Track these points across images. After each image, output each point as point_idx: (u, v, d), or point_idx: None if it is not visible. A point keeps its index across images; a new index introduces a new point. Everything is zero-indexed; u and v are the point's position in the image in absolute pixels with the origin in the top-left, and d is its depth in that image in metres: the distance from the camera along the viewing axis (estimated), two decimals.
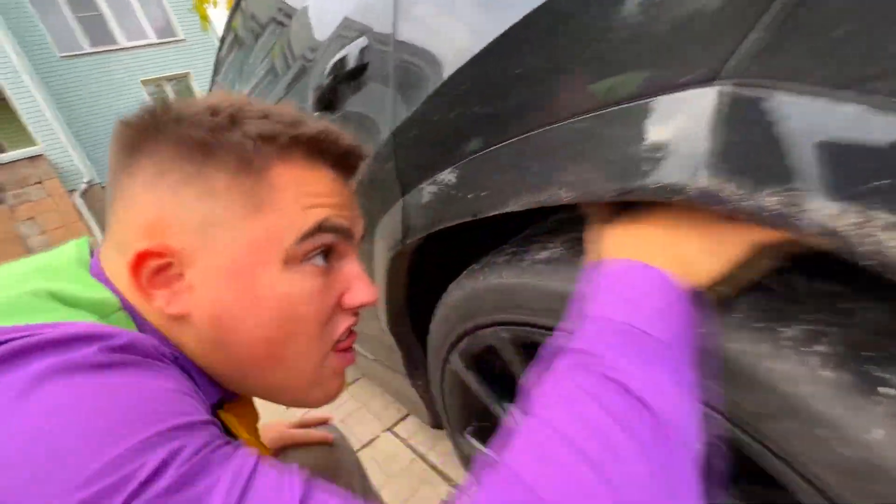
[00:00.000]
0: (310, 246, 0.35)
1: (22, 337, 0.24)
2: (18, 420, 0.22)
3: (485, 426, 0.71)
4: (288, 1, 0.91)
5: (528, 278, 0.43)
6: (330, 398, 0.41)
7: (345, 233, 0.38)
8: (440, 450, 1.27)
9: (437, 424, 0.90)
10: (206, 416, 0.27)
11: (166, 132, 0.33)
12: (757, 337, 0.27)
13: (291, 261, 0.35)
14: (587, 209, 0.39)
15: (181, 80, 11.40)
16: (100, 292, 0.33)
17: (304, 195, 0.35)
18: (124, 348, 0.26)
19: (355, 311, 0.39)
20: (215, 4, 5.52)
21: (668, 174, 0.27)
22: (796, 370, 0.25)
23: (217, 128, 0.33)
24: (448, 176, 0.43)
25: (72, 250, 0.37)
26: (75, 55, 9.82)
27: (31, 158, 7.71)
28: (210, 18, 5.38)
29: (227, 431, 0.39)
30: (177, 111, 0.34)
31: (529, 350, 0.49)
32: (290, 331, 0.35)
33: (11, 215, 7.24)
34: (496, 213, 0.39)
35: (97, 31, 10.21)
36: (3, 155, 7.78)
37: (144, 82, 10.67)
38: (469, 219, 0.42)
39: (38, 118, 8.51)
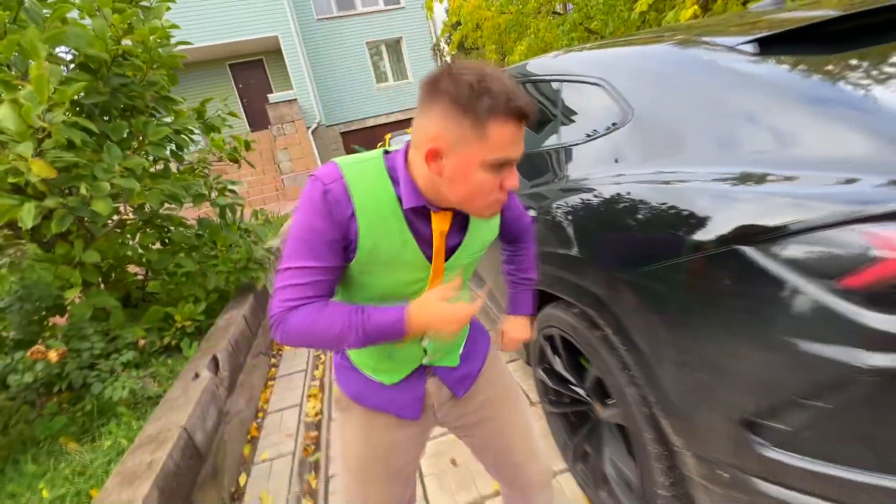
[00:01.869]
0: (495, 164, 0.67)
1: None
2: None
3: (547, 367, 1.61)
4: None
5: (568, 317, 1.29)
6: (488, 214, 0.74)
7: (511, 161, 0.69)
8: (526, 384, 2.21)
9: (528, 363, 1.83)
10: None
11: (447, 90, 0.64)
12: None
13: (485, 167, 0.67)
14: None
15: (395, 44, 13.38)
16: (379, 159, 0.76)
17: (499, 139, 0.65)
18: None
19: (506, 190, 0.72)
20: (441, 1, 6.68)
21: None
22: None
23: (472, 96, 0.62)
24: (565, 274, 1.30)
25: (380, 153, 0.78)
26: (327, 18, 12.37)
27: (289, 101, 10.44)
28: (433, 8, 6.54)
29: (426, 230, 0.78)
30: (454, 76, 0.63)
31: (565, 342, 1.38)
32: (477, 193, 0.70)
33: (273, 143, 10.11)
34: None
35: None
36: (272, 95, 10.68)
37: (368, 44, 12.88)
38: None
39: (297, 69, 11.25)
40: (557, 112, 1.46)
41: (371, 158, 0.76)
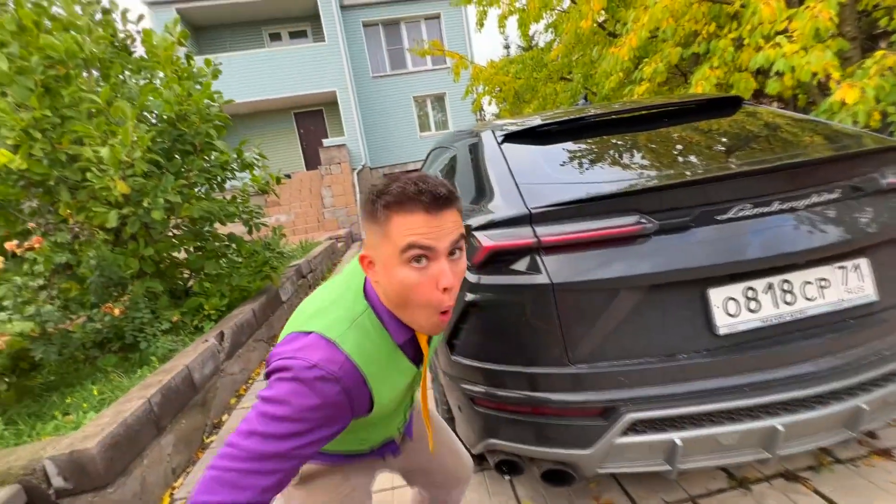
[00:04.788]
0: (408, 256, 0.65)
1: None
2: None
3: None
4: None
5: None
6: (434, 332, 0.73)
7: (427, 248, 0.65)
8: None
9: None
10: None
11: (362, 205, 0.71)
12: None
13: (403, 263, 0.66)
14: None
15: (439, 98, 14.82)
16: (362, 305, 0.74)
17: (401, 228, 0.65)
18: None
19: (444, 290, 0.67)
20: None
21: None
22: None
23: (372, 198, 0.68)
24: None
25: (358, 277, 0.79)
26: (381, 76, 14.06)
27: (339, 146, 11.90)
28: (461, 74, 7.53)
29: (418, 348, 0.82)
30: (367, 191, 0.69)
31: None
32: (408, 300, 0.68)
33: (321, 180, 11.51)
34: None
35: (397, 58, 14.28)
36: (326, 140, 12.23)
37: (415, 98, 14.39)
38: None
39: (349, 118, 12.81)
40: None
41: (360, 312, 0.74)
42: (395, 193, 0.66)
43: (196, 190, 3.54)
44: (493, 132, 1.69)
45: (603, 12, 4.99)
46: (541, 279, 1.15)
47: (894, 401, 1.18)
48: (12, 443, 1.96)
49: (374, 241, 0.69)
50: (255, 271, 3.88)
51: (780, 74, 2.87)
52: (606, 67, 4.08)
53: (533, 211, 1.18)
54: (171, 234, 3.67)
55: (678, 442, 1.10)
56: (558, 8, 6.60)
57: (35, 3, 2.96)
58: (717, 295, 1.12)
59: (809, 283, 1.15)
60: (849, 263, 1.17)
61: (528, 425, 1.23)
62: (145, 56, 3.36)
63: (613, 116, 1.62)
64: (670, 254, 1.11)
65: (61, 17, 3.06)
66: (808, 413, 1.10)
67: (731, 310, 1.12)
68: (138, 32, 3.44)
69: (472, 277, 1.29)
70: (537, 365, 1.20)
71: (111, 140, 2.75)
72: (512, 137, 1.60)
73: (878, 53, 2.45)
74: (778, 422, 1.09)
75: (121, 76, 3.23)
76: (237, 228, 4.29)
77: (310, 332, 0.70)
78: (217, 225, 3.83)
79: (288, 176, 12.60)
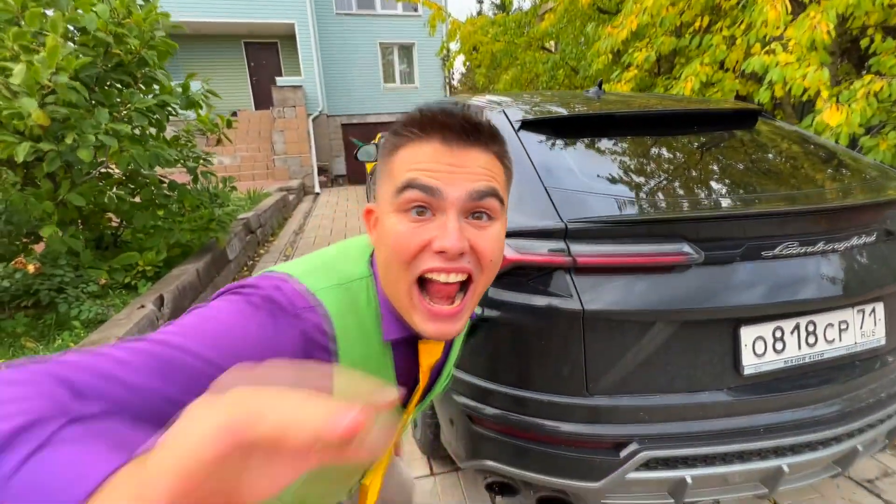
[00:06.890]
0: (404, 199, 0.47)
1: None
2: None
3: None
4: None
5: None
6: (430, 335, 0.50)
7: (430, 190, 0.46)
8: None
9: None
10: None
11: None
12: None
13: (397, 210, 0.48)
14: None
15: (407, 49, 13.93)
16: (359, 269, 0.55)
17: (407, 163, 0.48)
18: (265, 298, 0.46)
19: (441, 254, 0.46)
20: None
21: None
22: None
23: (388, 133, 0.52)
24: None
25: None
26: (345, 14, 12.87)
27: (294, 87, 10.90)
28: (436, 27, 7.05)
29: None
30: None
31: None
32: (388, 259, 0.49)
33: (272, 123, 10.56)
34: None
35: None
36: (280, 79, 11.15)
37: (381, 45, 13.41)
38: None
39: (308, 56, 11.71)
40: None
41: (356, 277, 0.54)
42: (410, 115, 0.50)
43: (131, 129, 3.02)
44: (505, 114, 1.50)
45: None
46: (571, 304, 1.03)
47: (881, 439, 1.22)
48: None
49: (380, 185, 0.53)
50: (200, 227, 3.47)
51: (771, 83, 2.87)
52: (601, 47, 3.92)
53: (569, 225, 1.04)
54: (99, 173, 3.14)
55: (689, 480, 1.06)
56: None
57: None
58: (748, 334, 1.06)
59: (832, 325, 1.13)
60: (868, 307, 1.16)
61: (534, 452, 1.14)
62: None
63: (641, 114, 1.49)
64: (712, 288, 1.03)
65: None
66: (812, 454, 1.10)
67: (759, 350, 1.08)
68: None
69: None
70: (552, 392, 1.10)
71: (26, 57, 2.21)
72: (530, 125, 1.43)
73: (867, 77, 2.50)
74: (784, 462, 1.08)
75: None
76: (181, 176, 3.78)
77: (280, 273, 0.52)
78: (158, 168, 3.33)
79: (234, 114, 11.45)
